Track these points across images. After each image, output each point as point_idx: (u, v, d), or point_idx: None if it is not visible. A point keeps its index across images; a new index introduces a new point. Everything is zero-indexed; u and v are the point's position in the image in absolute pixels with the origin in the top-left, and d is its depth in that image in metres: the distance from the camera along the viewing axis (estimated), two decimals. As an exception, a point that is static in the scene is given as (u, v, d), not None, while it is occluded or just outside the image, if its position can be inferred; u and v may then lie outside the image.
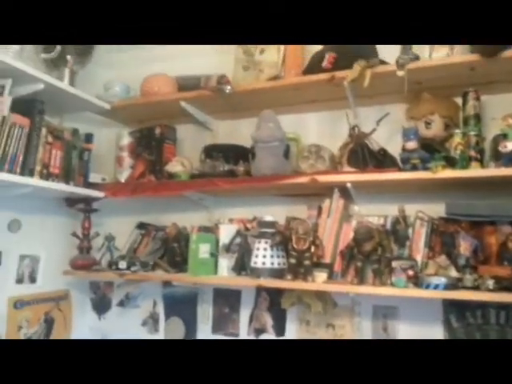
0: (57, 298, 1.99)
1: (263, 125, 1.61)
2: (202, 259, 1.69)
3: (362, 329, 1.67)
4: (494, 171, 1.35)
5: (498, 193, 1.46)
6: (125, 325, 2.07)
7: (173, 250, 1.79)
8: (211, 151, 1.77)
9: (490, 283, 1.30)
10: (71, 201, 1.94)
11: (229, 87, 1.63)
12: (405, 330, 1.61)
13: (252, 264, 1.59)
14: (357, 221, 1.55)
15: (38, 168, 1.62)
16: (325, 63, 1.54)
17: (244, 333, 1.86)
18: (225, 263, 1.68)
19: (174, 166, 1.79)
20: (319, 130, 1.82)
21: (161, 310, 2.03)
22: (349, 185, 1.52)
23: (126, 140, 1.99)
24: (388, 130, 1.63)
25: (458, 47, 1.45)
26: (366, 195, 1.67)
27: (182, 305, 1.98)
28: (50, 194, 1.82)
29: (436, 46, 1.50)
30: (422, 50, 1.53)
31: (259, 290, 1.84)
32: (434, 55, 1.48)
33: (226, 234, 1.70)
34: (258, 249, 1.58)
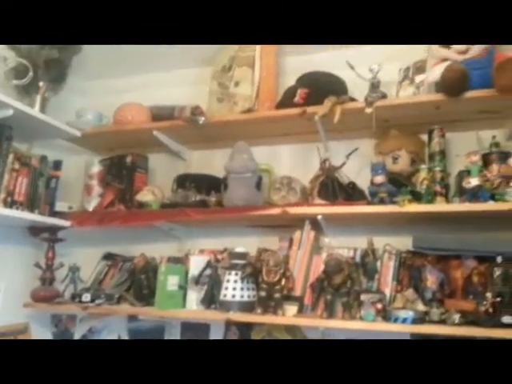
0: (15, 332, 1.87)
1: (237, 156, 1.62)
2: (170, 292, 1.64)
3: (333, 364, 1.64)
4: (458, 206, 1.39)
5: (463, 227, 1.50)
6: (87, 361, 1.97)
7: (140, 282, 1.73)
8: (183, 181, 1.76)
9: (456, 317, 1.30)
10: (35, 230, 1.87)
11: (203, 118, 1.65)
12: (375, 365, 1.59)
13: (221, 297, 1.55)
14: (327, 253, 1.55)
15: (1, 195, 1.57)
16: (297, 98, 1.58)
17: (212, 369, 1.80)
18: (194, 296, 1.64)
19: (145, 195, 1.76)
20: (291, 162, 1.85)
21: (126, 344, 1.94)
22: (319, 217, 1.54)
23: (96, 168, 1.96)
24: (357, 164, 1.67)
25: (424, 86, 1.52)
26: (336, 227, 1.68)
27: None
28: (14, 222, 1.75)
29: (404, 85, 1.57)
30: (390, 89, 1.60)
31: (228, 323, 1.79)
32: (401, 94, 1.55)
33: (196, 265, 1.66)
34: (228, 281, 1.55)
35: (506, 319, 1.27)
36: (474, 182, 1.37)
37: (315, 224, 1.60)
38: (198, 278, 1.64)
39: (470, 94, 1.40)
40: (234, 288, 1.54)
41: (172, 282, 1.65)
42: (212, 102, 1.79)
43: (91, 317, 1.91)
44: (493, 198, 1.36)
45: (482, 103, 1.43)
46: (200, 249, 1.81)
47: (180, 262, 1.74)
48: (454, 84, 1.36)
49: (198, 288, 1.65)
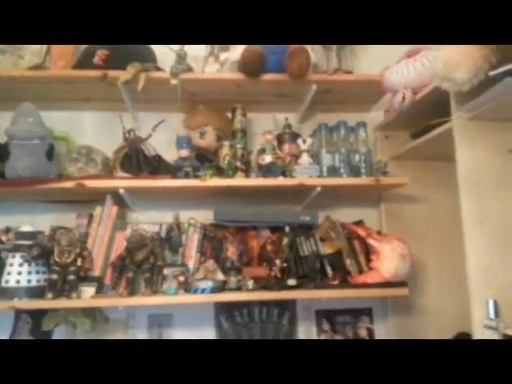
0: None
1: (21, 119, 1.38)
2: None
3: (138, 341, 1.60)
4: (254, 181, 1.49)
5: (260, 200, 1.64)
6: None
7: None
8: (-50, 148, 1.42)
9: (250, 284, 1.41)
10: None
11: (-27, 71, 1.34)
12: (180, 337, 1.62)
13: (3, 283, 1.34)
14: (131, 229, 1.48)
15: None
16: (96, 59, 1.43)
17: None
18: (-33, 285, 1.37)
19: None
20: (95, 130, 1.69)
21: None
22: (121, 191, 1.44)
23: None
24: (166, 137, 1.62)
25: (227, 64, 1.56)
26: (143, 202, 1.63)
27: None
28: None
29: (209, 61, 1.57)
30: (198, 64, 1.59)
31: (19, 312, 1.57)
32: (207, 69, 1.55)
33: (-31, 249, 1.39)
34: (11, 264, 1.35)
35: (290, 282, 1.43)
36: (267, 158, 1.49)
37: (119, 199, 1.50)
38: (-28, 264, 1.37)
39: (266, 76, 1.49)
40: (18, 272, 1.35)
41: None
42: (-8, 53, 1.48)
43: None
44: (283, 174, 1.50)
45: (278, 87, 1.55)
46: (-23, 229, 1.52)
47: (-51, 245, 1.42)
48: (250, 64, 1.43)
49: (-27, 276, 1.38)
